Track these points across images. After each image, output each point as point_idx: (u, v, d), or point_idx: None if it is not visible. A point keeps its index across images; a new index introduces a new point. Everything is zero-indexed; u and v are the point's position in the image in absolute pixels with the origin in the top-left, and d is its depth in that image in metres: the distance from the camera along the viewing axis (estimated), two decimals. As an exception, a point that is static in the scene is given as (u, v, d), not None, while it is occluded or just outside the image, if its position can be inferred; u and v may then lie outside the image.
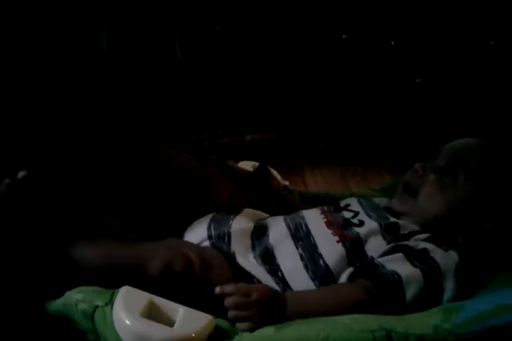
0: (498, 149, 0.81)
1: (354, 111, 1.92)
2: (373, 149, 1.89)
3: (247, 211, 0.85)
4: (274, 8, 1.85)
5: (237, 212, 0.84)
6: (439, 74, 1.87)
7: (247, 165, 1.09)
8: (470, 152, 0.80)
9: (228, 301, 0.63)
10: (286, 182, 1.13)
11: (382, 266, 0.69)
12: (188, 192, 0.90)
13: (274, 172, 1.10)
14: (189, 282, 0.67)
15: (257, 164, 1.11)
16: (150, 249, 0.71)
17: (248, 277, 0.72)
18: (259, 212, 0.87)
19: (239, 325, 0.62)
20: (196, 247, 0.76)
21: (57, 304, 0.63)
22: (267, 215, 0.87)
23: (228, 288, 0.64)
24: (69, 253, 0.68)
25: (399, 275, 0.66)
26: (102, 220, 0.80)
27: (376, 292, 0.66)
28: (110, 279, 0.66)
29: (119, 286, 0.62)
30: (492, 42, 1.77)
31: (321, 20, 1.88)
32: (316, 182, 1.70)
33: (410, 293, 0.66)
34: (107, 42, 0.97)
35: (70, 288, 0.64)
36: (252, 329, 0.61)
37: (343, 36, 1.90)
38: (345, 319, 0.59)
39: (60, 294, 0.64)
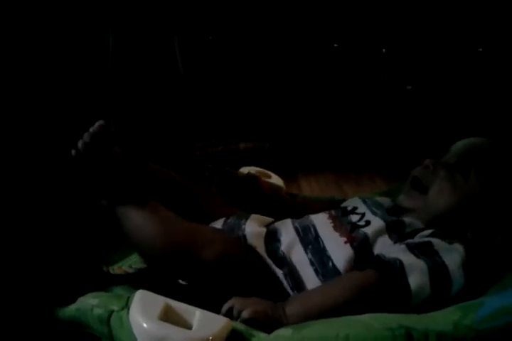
0: (507, 148, 0.82)
1: (347, 117, 1.93)
2: (366, 155, 1.90)
3: (255, 216, 0.85)
4: (267, 18, 1.87)
5: (246, 217, 0.84)
6: (429, 81, 1.90)
7: (251, 171, 1.08)
8: (480, 150, 0.80)
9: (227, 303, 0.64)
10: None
11: (385, 256, 0.69)
12: (178, 204, 0.90)
13: (275, 177, 1.10)
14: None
15: (258, 169, 1.11)
16: (210, 233, 0.73)
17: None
18: (265, 217, 0.87)
19: (243, 314, 0.62)
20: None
21: (70, 310, 0.62)
22: (272, 219, 0.87)
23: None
24: (126, 219, 0.68)
25: (401, 262, 0.66)
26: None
27: (380, 278, 0.66)
28: (158, 257, 0.68)
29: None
30: (480, 50, 1.80)
31: (313, 29, 1.90)
32: (311, 189, 1.70)
33: (414, 280, 0.65)
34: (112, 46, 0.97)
35: (82, 294, 0.63)
36: (251, 319, 0.61)
37: (335, 45, 1.92)
38: (365, 317, 0.59)
39: (72, 300, 0.63)
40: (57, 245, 0.67)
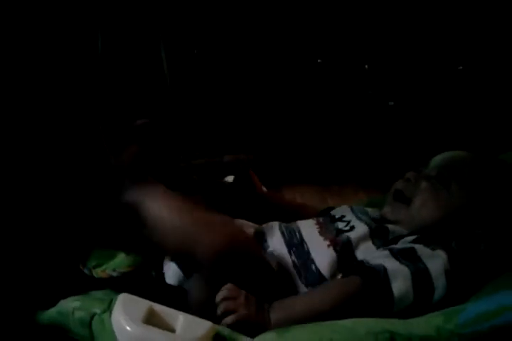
0: (487, 159, 0.83)
1: (330, 132, 1.96)
2: (350, 169, 1.92)
3: (240, 221, 0.85)
4: (251, 32, 1.89)
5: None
6: (410, 98, 1.94)
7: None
8: (461, 161, 0.82)
9: (218, 295, 0.64)
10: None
11: (368, 262, 0.69)
12: None
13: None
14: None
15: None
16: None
17: None
18: (250, 223, 0.86)
19: (226, 320, 0.62)
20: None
21: (50, 313, 0.61)
22: (255, 225, 0.87)
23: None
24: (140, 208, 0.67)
25: (385, 268, 0.66)
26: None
27: (363, 284, 0.66)
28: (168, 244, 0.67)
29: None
30: (461, 68, 1.85)
31: (297, 44, 1.93)
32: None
33: (397, 286, 0.65)
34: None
35: (63, 297, 0.62)
36: (236, 323, 0.61)
37: (319, 60, 1.95)
38: (348, 322, 0.59)
39: (52, 304, 0.62)
40: (38, 247, 0.66)
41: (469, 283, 0.69)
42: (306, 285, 0.71)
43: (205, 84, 1.92)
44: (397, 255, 0.69)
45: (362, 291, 0.66)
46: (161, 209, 0.67)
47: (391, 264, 0.67)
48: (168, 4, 1.69)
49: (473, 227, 0.77)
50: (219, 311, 0.63)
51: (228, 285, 0.65)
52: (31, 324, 0.61)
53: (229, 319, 0.63)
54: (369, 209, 0.86)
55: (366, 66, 1.91)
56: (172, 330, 0.57)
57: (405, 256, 0.69)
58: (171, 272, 0.74)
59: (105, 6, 1.00)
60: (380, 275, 0.66)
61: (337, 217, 0.84)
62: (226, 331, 0.61)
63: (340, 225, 0.80)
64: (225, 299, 0.64)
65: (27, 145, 0.81)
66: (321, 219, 0.83)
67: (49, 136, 0.72)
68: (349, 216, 0.82)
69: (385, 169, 1.75)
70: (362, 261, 0.70)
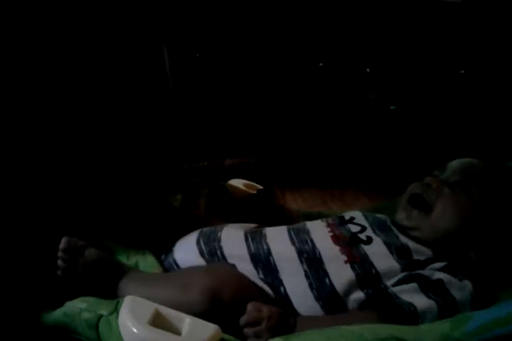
0: (503, 167, 0.82)
1: (332, 135, 1.95)
2: (351, 173, 1.92)
3: (232, 224, 0.84)
4: (253, 36, 1.90)
5: (223, 225, 0.82)
6: (412, 102, 1.94)
7: (239, 184, 1.09)
8: (479, 169, 0.79)
9: (242, 319, 0.63)
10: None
11: (397, 297, 0.67)
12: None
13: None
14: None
15: (245, 182, 1.11)
16: (195, 274, 0.68)
17: None
18: (245, 224, 0.86)
19: None
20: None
21: (56, 314, 0.60)
22: (254, 225, 0.86)
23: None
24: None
25: (415, 307, 0.65)
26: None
27: (391, 321, 0.63)
28: None
29: None
30: (462, 72, 1.85)
31: (299, 48, 1.93)
32: (297, 206, 1.70)
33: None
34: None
35: (70, 299, 0.62)
36: None
37: (320, 64, 1.95)
38: (355, 328, 0.58)
39: (59, 304, 0.62)
40: (43, 249, 0.66)
41: (487, 299, 0.69)
42: (317, 299, 0.69)
43: (208, 88, 1.92)
44: (426, 289, 0.67)
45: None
46: None
47: (419, 301, 0.66)
48: (171, 8, 1.70)
49: (492, 237, 0.75)
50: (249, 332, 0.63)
51: (250, 307, 0.63)
52: (36, 325, 0.60)
53: None
54: (379, 216, 0.83)
55: (368, 70, 1.91)
56: (178, 333, 0.57)
57: (434, 290, 0.67)
58: None
59: (107, 8, 1.00)
60: (410, 315, 0.64)
61: (346, 218, 0.81)
62: (232, 338, 0.61)
63: (354, 229, 0.77)
64: (247, 325, 0.63)
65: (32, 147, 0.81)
66: (330, 220, 0.80)
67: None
68: (362, 221, 0.80)
69: (387, 173, 1.76)
70: (388, 293, 0.68)
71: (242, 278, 0.70)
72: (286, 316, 0.65)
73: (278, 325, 0.63)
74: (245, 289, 0.67)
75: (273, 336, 0.60)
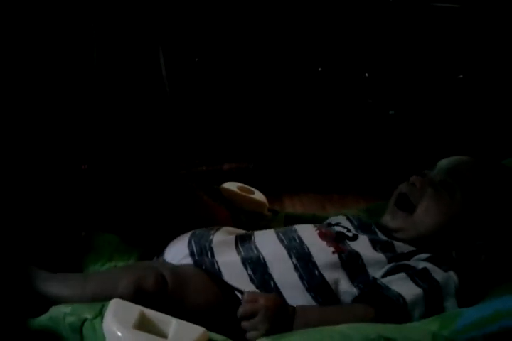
0: (493, 166, 0.81)
1: (331, 140, 1.95)
2: (350, 178, 1.91)
3: (227, 228, 0.84)
4: (251, 40, 1.90)
5: (217, 228, 0.82)
6: (411, 106, 1.93)
7: (233, 186, 1.08)
8: (466, 168, 0.80)
9: (238, 311, 0.63)
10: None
11: (387, 288, 0.67)
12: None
13: (258, 194, 1.10)
14: (164, 299, 0.64)
15: (240, 185, 1.11)
16: (120, 271, 0.69)
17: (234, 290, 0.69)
18: (238, 229, 0.86)
19: (249, 335, 0.61)
20: (169, 265, 0.73)
21: (41, 319, 0.60)
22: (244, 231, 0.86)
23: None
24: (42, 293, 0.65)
25: (404, 299, 0.65)
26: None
27: (381, 314, 0.64)
28: None
29: None
30: (461, 76, 1.85)
31: (298, 53, 1.93)
32: (294, 210, 1.70)
33: (415, 315, 0.64)
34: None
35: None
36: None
37: (319, 69, 1.95)
38: (344, 328, 0.58)
39: (44, 310, 0.61)
40: (30, 251, 0.66)
41: (473, 296, 0.69)
42: (308, 290, 0.69)
43: (206, 92, 1.93)
44: (413, 276, 0.68)
45: (378, 319, 0.64)
46: None
47: (408, 291, 0.66)
48: (169, 13, 1.70)
49: (475, 237, 0.75)
50: (247, 325, 0.63)
51: (246, 297, 0.64)
52: (23, 330, 0.60)
53: (254, 336, 0.62)
54: (366, 220, 0.85)
55: (366, 74, 1.91)
56: (164, 336, 0.56)
57: (420, 277, 0.68)
58: None
59: (103, 12, 1.01)
60: (399, 307, 0.65)
61: (333, 223, 0.83)
62: (220, 337, 0.60)
63: (340, 229, 0.79)
64: (243, 317, 0.63)
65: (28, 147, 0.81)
66: (317, 225, 0.81)
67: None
68: (347, 224, 0.81)
69: (386, 178, 1.75)
70: (377, 285, 0.68)
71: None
72: (284, 305, 0.65)
73: (275, 316, 0.62)
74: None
75: (271, 327, 0.61)
